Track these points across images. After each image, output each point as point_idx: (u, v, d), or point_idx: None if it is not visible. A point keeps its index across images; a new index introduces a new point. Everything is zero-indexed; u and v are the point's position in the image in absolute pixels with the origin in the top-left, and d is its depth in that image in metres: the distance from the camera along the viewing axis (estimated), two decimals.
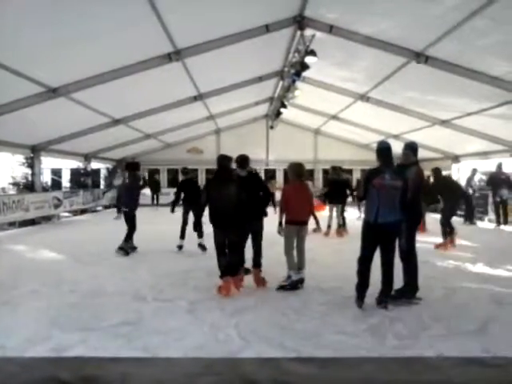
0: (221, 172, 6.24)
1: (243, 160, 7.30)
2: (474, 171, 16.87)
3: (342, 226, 11.99)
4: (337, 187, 12.10)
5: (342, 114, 19.12)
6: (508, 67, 9.83)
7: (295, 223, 6.36)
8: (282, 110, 17.19)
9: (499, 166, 14.72)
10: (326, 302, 5.64)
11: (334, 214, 12.05)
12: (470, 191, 15.97)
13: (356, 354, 3.82)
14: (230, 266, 6.05)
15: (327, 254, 9.22)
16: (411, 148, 6.06)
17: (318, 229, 12.01)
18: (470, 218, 15.52)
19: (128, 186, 10.24)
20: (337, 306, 5.46)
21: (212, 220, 6.09)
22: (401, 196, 5.26)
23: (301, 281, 6.33)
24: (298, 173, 6.60)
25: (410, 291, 5.69)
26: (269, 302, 5.66)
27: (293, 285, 6.26)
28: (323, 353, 3.91)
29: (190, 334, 4.44)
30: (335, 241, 10.86)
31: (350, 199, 12.71)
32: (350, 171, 21.60)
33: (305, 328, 4.67)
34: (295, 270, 6.32)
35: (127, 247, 9.20)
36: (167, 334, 4.43)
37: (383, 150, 5.44)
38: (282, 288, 6.23)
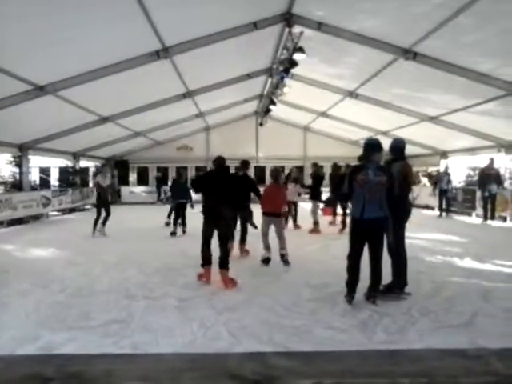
0: (223, 170, 6.93)
1: (246, 163, 9.30)
2: (446, 169, 17.43)
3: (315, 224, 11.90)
4: (319, 183, 12.08)
5: (331, 111, 19.19)
6: (493, 64, 9.94)
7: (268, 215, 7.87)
8: (272, 107, 17.24)
9: (490, 162, 14.87)
10: (315, 298, 5.67)
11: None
12: (446, 187, 16.56)
13: (344, 348, 3.87)
14: (221, 260, 6.46)
15: (316, 251, 9.25)
16: (396, 144, 6.11)
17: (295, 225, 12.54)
18: (446, 211, 16.62)
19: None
20: (326, 302, 5.48)
21: (206, 211, 6.69)
22: (386, 192, 5.30)
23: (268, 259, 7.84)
24: (272, 177, 8.28)
25: (398, 286, 5.74)
26: (258, 299, 5.67)
27: (263, 260, 7.82)
28: (312, 348, 3.95)
29: (179, 332, 4.45)
30: (324, 237, 10.88)
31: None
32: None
33: (294, 324, 4.69)
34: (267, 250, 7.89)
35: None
36: (157, 332, 4.43)
37: (366, 146, 5.51)
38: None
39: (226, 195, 6.62)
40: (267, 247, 7.87)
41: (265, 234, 7.86)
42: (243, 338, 4.28)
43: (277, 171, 8.26)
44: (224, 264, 6.41)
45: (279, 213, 7.91)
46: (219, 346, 4.04)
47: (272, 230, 7.89)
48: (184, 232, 11.57)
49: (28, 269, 7.60)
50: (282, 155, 24.20)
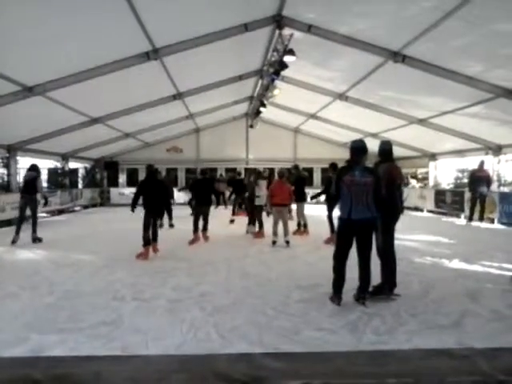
0: (152, 177, 9.38)
1: (206, 170, 11.88)
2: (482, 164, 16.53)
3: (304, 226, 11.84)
4: (301, 185, 12.02)
5: (321, 113, 19.28)
6: (481, 67, 10.04)
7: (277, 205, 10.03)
8: (262, 109, 17.24)
9: (481, 164, 14.99)
10: (305, 300, 5.68)
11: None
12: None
13: (333, 349, 3.88)
14: (154, 237, 9.07)
15: (306, 252, 9.27)
16: (383, 147, 6.16)
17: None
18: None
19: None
20: (315, 303, 5.50)
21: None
22: (373, 192, 5.34)
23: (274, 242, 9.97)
24: (279, 175, 10.65)
25: (387, 287, 5.77)
26: (248, 300, 5.68)
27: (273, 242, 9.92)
28: (302, 349, 3.96)
29: (169, 334, 4.43)
30: (313, 238, 10.89)
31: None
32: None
33: (284, 325, 4.70)
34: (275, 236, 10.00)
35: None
36: (146, 334, 4.41)
37: (352, 148, 5.55)
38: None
39: (158, 197, 9.07)
40: (275, 233, 10.03)
41: (275, 223, 10.07)
42: (233, 339, 4.27)
43: (283, 172, 10.81)
44: (154, 237, 9.07)
45: (286, 203, 10.10)
46: (209, 348, 4.03)
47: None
48: (171, 226, 13.17)
49: (16, 271, 7.54)
50: (273, 157, 24.26)
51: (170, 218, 13.19)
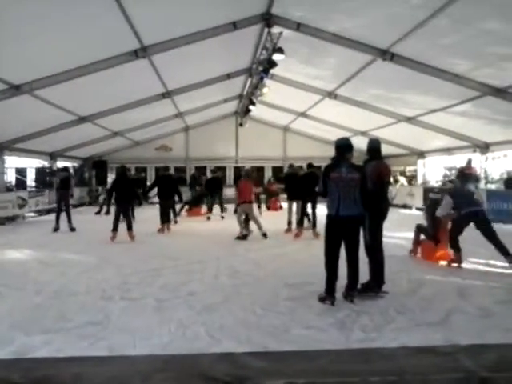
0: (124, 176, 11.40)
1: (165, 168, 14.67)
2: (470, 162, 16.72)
3: (311, 225, 11.56)
4: (294, 183, 11.89)
5: (310, 112, 19.30)
6: (469, 65, 10.11)
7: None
8: (251, 107, 17.22)
9: (468, 162, 15.10)
10: (294, 297, 5.68)
11: (294, 209, 11.69)
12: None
13: (321, 347, 3.89)
14: (129, 226, 10.70)
15: (295, 250, 9.28)
16: (372, 145, 6.19)
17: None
18: None
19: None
20: (304, 301, 5.50)
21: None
22: (360, 189, 5.36)
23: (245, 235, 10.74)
24: (244, 175, 11.93)
25: (376, 285, 5.78)
26: (237, 299, 5.67)
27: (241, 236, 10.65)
28: (290, 347, 3.96)
29: (157, 333, 4.41)
30: (303, 236, 10.89)
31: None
32: (319, 167, 21.79)
33: (272, 324, 4.69)
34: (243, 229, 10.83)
35: None
36: (134, 333, 4.38)
37: (337, 145, 5.59)
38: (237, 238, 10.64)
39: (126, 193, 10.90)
40: (243, 227, 10.86)
41: (239, 218, 10.93)
42: (222, 338, 4.26)
43: (248, 171, 12.27)
44: (129, 226, 10.68)
45: (251, 201, 11.07)
46: (197, 347, 4.02)
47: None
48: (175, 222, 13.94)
49: (3, 271, 7.47)
50: (262, 155, 24.26)
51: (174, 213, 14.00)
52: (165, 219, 12.20)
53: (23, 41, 8.47)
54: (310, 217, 11.28)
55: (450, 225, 7.87)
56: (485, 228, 7.42)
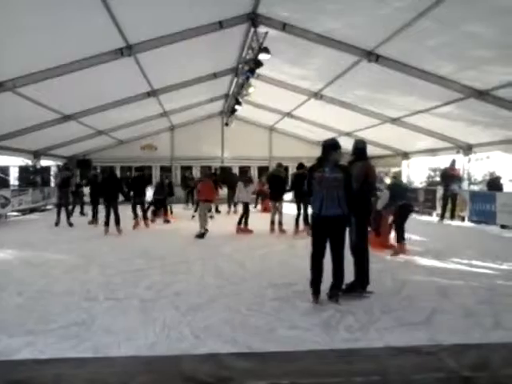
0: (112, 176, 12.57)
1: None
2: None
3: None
4: (277, 184, 12.00)
5: (296, 112, 19.35)
6: (453, 68, 10.22)
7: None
8: (237, 107, 17.19)
9: (452, 163, 15.31)
10: (279, 298, 5.69)
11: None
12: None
13: (305, 347, 3.90)
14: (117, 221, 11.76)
15: (280, 251, 9.31)
16: (357, 145, 6.25)
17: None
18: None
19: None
20: (289, 302, 5.51)
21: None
22: (345, 190, 5.40)
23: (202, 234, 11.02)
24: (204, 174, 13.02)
25: (360, 285, 5.82)
26: (222, 299, 5.65)
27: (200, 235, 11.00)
28: (275, 347, 3.96)
29: (142, 334, 4.37)
30: (289, 236, 10.93)
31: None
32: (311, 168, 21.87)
33: (258, 324, 4.69)
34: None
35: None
36: (118, 334, 4.34)
37: (322, 146, 5.66)
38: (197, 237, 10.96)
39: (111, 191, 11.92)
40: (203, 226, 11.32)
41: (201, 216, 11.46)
42: (207, 338, 4.24)
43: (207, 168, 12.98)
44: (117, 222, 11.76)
45: (209, 199, 11.87)
46: (182, 347, 3.99)
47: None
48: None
49: None
50: (248, 155, 24.26)
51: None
52: (136, 215, 13.20)
53: (6, 38, 8.36)
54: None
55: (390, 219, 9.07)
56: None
